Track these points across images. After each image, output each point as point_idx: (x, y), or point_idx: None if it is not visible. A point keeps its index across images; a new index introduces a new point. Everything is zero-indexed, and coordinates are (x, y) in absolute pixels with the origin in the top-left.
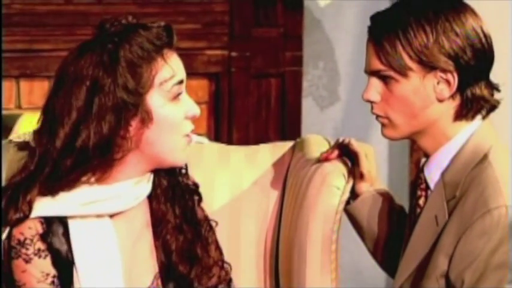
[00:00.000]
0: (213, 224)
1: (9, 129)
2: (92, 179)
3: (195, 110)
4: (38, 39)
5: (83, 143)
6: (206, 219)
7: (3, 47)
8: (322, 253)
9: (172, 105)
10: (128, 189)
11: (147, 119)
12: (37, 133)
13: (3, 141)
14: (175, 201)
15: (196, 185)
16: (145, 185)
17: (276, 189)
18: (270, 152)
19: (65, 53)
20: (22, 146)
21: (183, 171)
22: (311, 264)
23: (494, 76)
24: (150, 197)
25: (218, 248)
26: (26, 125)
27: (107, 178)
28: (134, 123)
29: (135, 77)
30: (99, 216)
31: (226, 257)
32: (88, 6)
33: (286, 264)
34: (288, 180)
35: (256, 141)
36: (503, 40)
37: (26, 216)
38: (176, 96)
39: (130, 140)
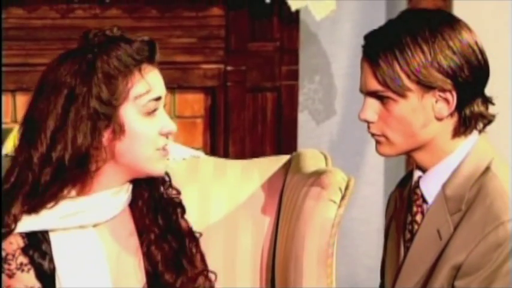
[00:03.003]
0: (197, 235)
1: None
2: (73, 192)
3: (171, 126)
4: (34, 53)
5: (59, 153)
6: (190, 230)
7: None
8: (319, 266)
9: (146, 120)
10: (107, 200)
11: (119, 131)
12: (18, 143)
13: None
14: (157, 212)
15: (178, 192)
16: (124, 194)
17: (272, 203)
18: (266, 166)
19: None
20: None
21: (166, 183)
22: (307, 278)
23: (494, 75)
24: (132, 208)
25: (203, 258)
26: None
27: (86, 190)
28: (107, 134)
29: (109, 88)
30: (82, 227)
31: (223, 270)
32: (84, 20)
33: (282, 277)
34: (284, 194)
35: (253, 155)
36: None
37: (11, 231)
38: (151, 112)
39: (105, 150)
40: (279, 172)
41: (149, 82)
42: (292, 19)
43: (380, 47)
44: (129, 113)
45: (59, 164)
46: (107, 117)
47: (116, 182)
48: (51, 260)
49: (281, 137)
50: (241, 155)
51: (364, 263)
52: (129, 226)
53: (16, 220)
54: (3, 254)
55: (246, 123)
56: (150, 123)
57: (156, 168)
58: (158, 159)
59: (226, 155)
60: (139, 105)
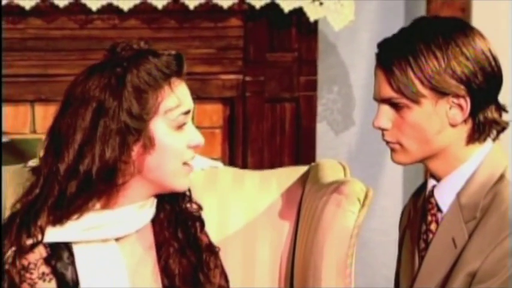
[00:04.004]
0: (216, 249)
1: (23, 154)
2: (98, 205)
3: (199, 139)
4: (53, 64)
5: (86, 167)
6: (209, 245)
7: (16, 71)
8: (337, 277)
9: (175, 134)
10: (132, 214)
11: (149, 145)
12: (43, 155)
13: (18, 166)
14: (177, 226)
15: (200, 207)
16: (149, 209)
17: (290, 213)
18: (285, 177)
19: None
20: (36, 170)
21: (187, 197)
22: None
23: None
24: (153, 221)
25: (223, 273)
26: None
27: (112, 203)
28: (136, 149)
29: (140, 102)
30: (104, 240)
31: (241, 280)
32: (102, 31)
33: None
34: (303, 205)
35: (271, 165)
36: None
37: (38, 242)
38: (181, 126)
39: (133, 165)
40: (298, 183)
41: (179, 96)
42: (311, 29)
43: (394, 54)
44: (159, 127)
45: (86, 177)
46: (137, 132)
47: (141, 196)
48: (74, 271)
49: (299, 148)
50: (259, 165)
51: (382, 273)
52: (149, 239)
53: (42, 231)
54: (26, 263)
55: (264, 133)
56: (179, 137)
57: (181, 183)
58: (184, 175)
59: (244, 165)
60: (169, 119)
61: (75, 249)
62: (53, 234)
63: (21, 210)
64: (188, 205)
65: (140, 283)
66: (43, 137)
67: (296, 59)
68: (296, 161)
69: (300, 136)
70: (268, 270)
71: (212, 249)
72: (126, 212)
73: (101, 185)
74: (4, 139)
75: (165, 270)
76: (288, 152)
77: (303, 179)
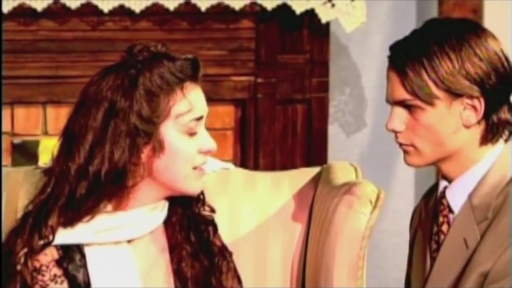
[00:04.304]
0: (229, 253)
1: (35, 156)
2: (109, 207)
3: (211, 145)
4: (65, 65)
5: (96, 167)
6: (222, 249)
7: (28, 73)
8: (349, 279)
9: (186, 138)
10: (143, 216)
11: (158, 148)
12: (56, 154)
13: (30, 168)
14: (190, 229)
15: (213, 210)
16: (161, 211)
17: (302, 215)
18: (297, 178)
19: None
20: (48, 171)
21: (200, 201)
22: None
23: None
24: (166, 224)
25: (236, 276)
26: (44, 151)
27: (123, 205)
28: (146, 151)
29: (150, 105)
30: (116, 242)
31: (252, 282)
32: (115, 33)
33: None
34: (314, 206)
35: (283, 167)
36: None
37: (49, 242)
38: (192, 131)
39: (143, 167)
40: (309, 184)
41: (191, 101)
42: (323, 31)
43: (407, 56)
44: (169, 130)
45: (95, 178)
46: (147, 134)
47: (152, 199)
48: (86, 273)
49: (311, 149)
50: (271, 167)
51: (394, 275)
52: (161, 242)
53: (53, 231)
54: (38, 265)
55: (276, 135)
56: (190, 141)
57: (192, 187)
58: (195, 178)
59: (256, 167)
60: (180, 124)
61: (87, 251)
62: (65, 236)
63: (34, 210)
64: (201, 209)
65: (152, 285)
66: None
67: (308, 60)
68: (308, 163)
69: (311, 138)
70: (280, 272)
71: (225, 253)
72: (138, 214)
73: (111, 187)
74: (16, 140)
75: (177, 273)
76: (299, 153)
77: (315, 181)
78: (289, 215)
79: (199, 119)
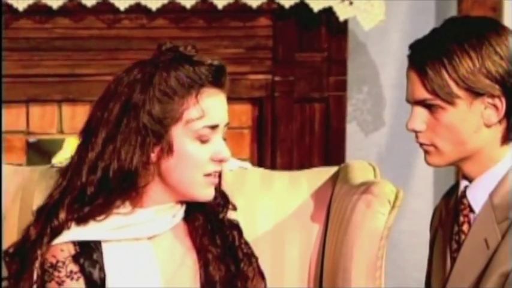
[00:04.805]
0: (254, 260)
1: (51, 155)
2: (123, 207)
3: (224, 154)
4: (81, 63)
5: (105, 163)
6: (248, 253)
7: (44, 71)
8: (367, 279)
9: (197, 145)
10: (161, 213)
11: (167, 150)
12: (77, 146)
13: (45, 167)
14: (215, 233)
15: (234, 208)
16: (178, 210)
17: (320, 215)
18: (314, 178)
19: (107, 78)
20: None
21: (223, 205)
22: None
23: None
24: (189, 224)
25: (262, 281)
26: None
27: (137, 204)
28: (156, 151)
29: (162, 106)
30: (137, 239)
31: (269, 282)
32: (130, 31)
33: None
34: (332, 206)
35: (300, 166)
36: None
37: (59, 232)
38: (205, 139)
39: (153, 167)
40: (327, 184)
41: (204, 108)
42: (341, 29)
43: (427, 55)
44: (179, 134)
45: (103, 175)
46: (156, 135)
47: (165, 200)
48: (102, 269)
49: (329, 148)
50: (288, 166)
51: (413, 275)
52: (186, 242)
53: (63, 224)
54: (54, 261)
55: (293, 134)
56: (202, 148)
57: (201, 194)
58: (204, 185)
59: (273, 166)
60: (190, 130)
61: (105, 247)
62: (82, 232)
63: (47, 203)
64: (225, 213)
65: (178, 285)
66: (70, 137)
67: (325, 58)
68: (325, 162)
69: (329, 137)
70: (297, 272)
71: (251, 259)
72: (154, 212)
73: (121, 185)
74: (31, 139)
75: (205, 276)
76: (317, 152)
77: (333, 180)
78: (307, 214)
79: (213, 127)
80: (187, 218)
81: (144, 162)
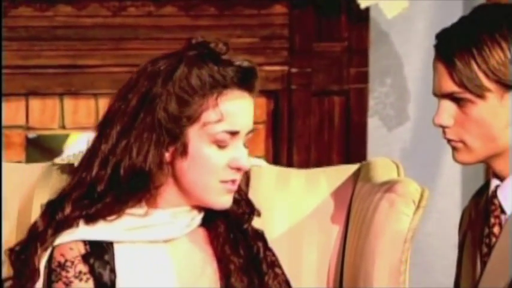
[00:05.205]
0: (280, 271)
1: (52, 151)
2: (137, 207)
3: (242, 163)
4: (84, 54)
5: (116, 159)
6: (273, 264)
7: (44, 62)
8: (390, 285)
9: (214, 149)
10: (177, 216)
11: (181, 151)
12: (93, 138)
13: (46, 164)
14: (238, 242)
15: (258, 214)
16: (198, 214)
17: (339, 215)
18: (333, 176)
19: (112, 69)
20: (65, 168)
21: (247, 214)
22: None
23: None
24: (210, 233)
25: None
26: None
27: (152, 206)
28: (171, 151)
29: (180, 104)
30: (152, 241)
31: None
32: (137, 19)
33: None
34: (353, 206)
35: (318, 164)
36: None
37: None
38: (223, 144)
39: (168, 168)
40: (347, 182)
41: (224, 111)
42: (362, 17)
43: (455, 46)
44: (195, 136)
45: (114, 171)
46: (170, 134)
47: (182, 203)
48: (113, 271)
49: (349, 145)
50: (306, 163)
51: (440, 281)
52: (206, 250)
53: (68, 218)
54: (62, 260)
55: (311, 129)
56: (219, 153)
57: (216, 201)
58: (220, 192)
59: (290, 163)
60: (207, 133)
61: (117, 248)
62: (94, 231)
63: (58, 196)
64: (250, 223)
65: None
66: (72, 132)
67: (346, 48)
68: (345, 159)
69: (349, 132)
70: (315, 277)
71: (276, 271)
72: (170, 214)
73: (132, 184)
74: (31, 135)
75: (227, 287)
76: (336, 149)
77: (353, 179)
78: (326, 215)
79: (233, 133)
80: (208, 225)
81: (158, 161)
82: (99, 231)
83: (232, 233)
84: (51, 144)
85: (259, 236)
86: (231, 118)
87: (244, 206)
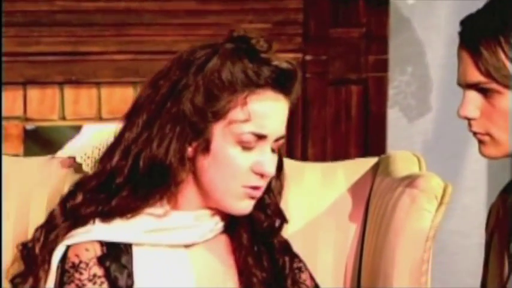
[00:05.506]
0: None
1: (51, 144)
2: (157, 206)
3: (266, 169)
4: (85, 40)
5: (137, 150)
6: (297, 282)
7: (44, 49)
8: (411, 286)
9: (239, 151)
10: (200, 219)
11: (203, 148)
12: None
13: (45, 158)
14: (261, 256)
15: (285, 220)
16: (222, 219)
17: (357, 212)
18: (351, 170)
19: (115, 56)
20: (66, 162)
21: (276, 226)
22: None
23: None
24: (233, 243)
25: None
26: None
27: (173, 206)
28: (194, 145)
29: (207, 97)
30: (172, 246)
31: None
32: (141, 3)
33: None
34: (371, 202)
35: (335, 157)
36: None
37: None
38: (248, 146)
39: (189, 164)
40: (366, 177)
41: (252, 111)
42: (381, 1)
43: (481, 33)
44: (220, 134)
45: (134, 162)
46: (194, 128)
47: (203, 204)
48: (130, 276)
49: (368, 137)
50: (321, 157)
51: (464, 281)
52: (228, 259)
53: (83, 213)
54: (76, 261)
55: (327, 120)
56: (243, 155)
57: (235, 205)
58: (240, 197)
59: (304, 157)
60: (232, 132)
61: (136, 252)
62: (111, 231)
63: (76, 185)
64: (277, 235)
65: None
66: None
67: (364, 35)
68: (364, 152)
69: (368, 123)
70: (332, 277)
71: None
72: (191, 218)
73: (151, 179)
74: (29, 126)
75: None
76: (354, 141)
77: (372, 173)
78: (342, 212)
79: (260, 136)
80: (232, 233)
81: (179, 156)
82: (117, 231)
83: (257, 244)
84: (51, 136)
85: (286, 249)
86: (260, 120)
87: (273, 216)
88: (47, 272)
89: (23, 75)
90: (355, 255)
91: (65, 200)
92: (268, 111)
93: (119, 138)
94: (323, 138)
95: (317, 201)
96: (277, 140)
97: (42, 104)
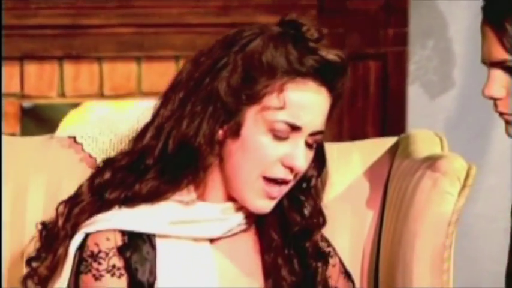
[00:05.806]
0: None
1: (50, 122)
2: (185, 192)
3: (296, 163)
4: (86, 12)
5: (169, 128)
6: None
7: (42, 22)
8: (432, 274)
9: (269, 139)
10: (226, 211)
11: (234, 130)
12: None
13: (44, 137)
14: (292, 259)
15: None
16: (249, 216)
17: (375, 196)
18: (368, 150)
19: (117, 30)
20: (65, 142)
21: (314, 232)
22: (419, 286)
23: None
24: (263, 242)
25: None
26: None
27: (200, 195)
28: (225, 128)
29: (244, 79)
30: (196, 239)
31: None
32: None
33: (387, 286)
34: (390, 185)
35: (351, 136)
36: None
37: (99, 191)
38: (280, 135)
39: (217, 146)
40: (384, 158)
41: (287, 100)
42: None
43: (505, 8)
44: (252, 119)
45: (165, 142)
46: (227, 109)
47: (225, 194)
48: (151, 271)
49: (386, 115)
50: (337, 136)
51: (488, 268)
52: (255, 259)
53: (106, 186)
54: (96, 250)
55: (343, 97)
56: (274, 144)
57: (252, 201)
58: (259, 193)
59: None
60: (265, 118)
61: (159, 244)
62: (134, 221)
63: (105, 162)
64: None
65: None
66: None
67: (383, 7)
68: (382, 132)
69: (387, 101)
70: (348, 262)
71: None
72: (219, 210)
73: (180, 160)
74: (27, 104)
75: None
76: (372, 120)
77: (390, 154)
78: (359, 195)
79: (294, 127)
80: (261, 233)
81: (209, 137)
82: (140, 220)
83: (288, 246)
84: (49, 114)
85: (321, 255)
86: (295, 109)
87: (311, 217)
88: (65, 256)
89: (20, 50)
90: (373, 241)
91: (93, 176)
92: (306, 102)
93: (154, 116)
94: (339, 117)
95: (332, 184)
96: (313, 134)
97: (40, 80)
